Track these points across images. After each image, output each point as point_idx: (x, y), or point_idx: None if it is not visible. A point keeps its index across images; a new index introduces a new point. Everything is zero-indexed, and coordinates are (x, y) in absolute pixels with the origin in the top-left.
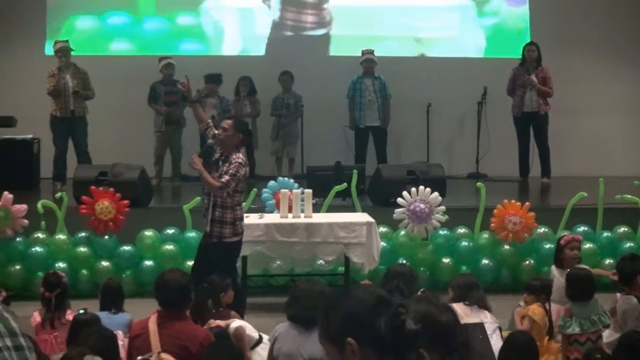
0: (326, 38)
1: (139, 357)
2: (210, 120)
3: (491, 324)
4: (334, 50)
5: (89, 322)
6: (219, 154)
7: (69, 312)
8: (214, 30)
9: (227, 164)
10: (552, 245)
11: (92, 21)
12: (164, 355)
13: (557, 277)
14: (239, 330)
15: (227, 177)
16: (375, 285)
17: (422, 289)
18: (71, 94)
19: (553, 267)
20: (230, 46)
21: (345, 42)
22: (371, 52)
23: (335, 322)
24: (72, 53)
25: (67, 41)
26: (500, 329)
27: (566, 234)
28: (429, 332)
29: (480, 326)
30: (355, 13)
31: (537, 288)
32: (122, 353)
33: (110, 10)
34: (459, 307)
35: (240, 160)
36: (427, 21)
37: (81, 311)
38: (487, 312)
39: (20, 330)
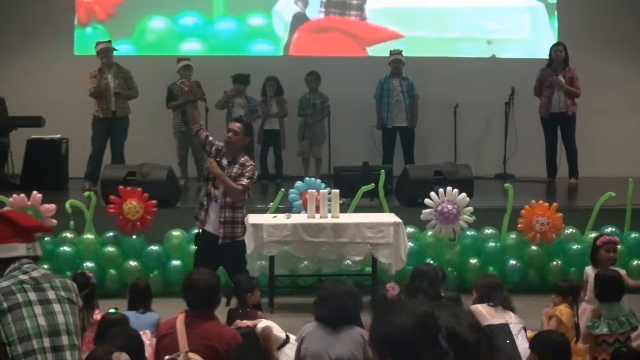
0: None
1: (167, 357)
2: (202, 122)
3: (516, 325)
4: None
5: (116, 322)
6: (215, 155)
7: (97, 311)
8: (284, 31)
9: (237, 166)
10: (579, 246)
11: (164, 21)
12: (191, 354)
13: (592, 277)
14: (266, 330)
15: (246, 180)
16: (422, 301)
17: (445, 290)
18: (112, 94)
19: (589, 267)
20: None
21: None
22: (399, 52)
23: (378, 338)
24: (115, 53)
25: (109, 42)
26: (525, 329)
27: (598, 234)
28: (455, 349)
29: (505, 327)
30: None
31: (564, 289)
32: (149, 352)
33: (182, 10)
34: (483, 308)
35: (253, 163)
36: (498, 23)
37: (112, 310)
38: (511, 313)
39: (70, 327)
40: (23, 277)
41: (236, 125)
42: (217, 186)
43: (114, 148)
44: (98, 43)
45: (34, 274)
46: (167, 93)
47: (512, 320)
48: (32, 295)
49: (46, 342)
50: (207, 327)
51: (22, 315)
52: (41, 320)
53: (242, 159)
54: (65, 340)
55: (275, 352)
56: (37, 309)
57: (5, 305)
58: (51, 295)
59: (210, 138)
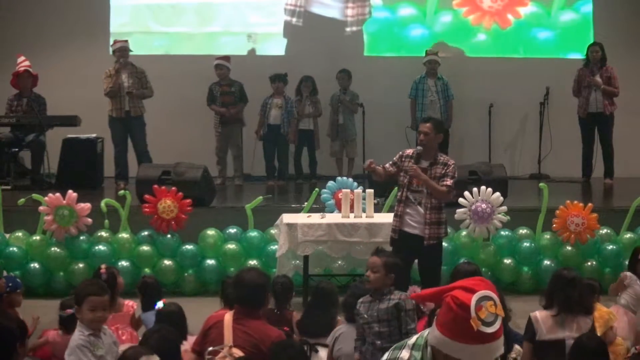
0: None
1: (210, 347)
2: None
3: None
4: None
5: (176, 313)
6: (407, 162)
7: (126, 302)
8: None
9: (440, 166)
10: (614, 247)
11: None
12: (234, 349)
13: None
14: None
15: (450, 180)
16: None
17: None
18: (125, 94)
19: (628, 273)
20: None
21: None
22: (435, 52)
23: None
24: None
25: (126, 41)
26: None
27: (634, 234)
28: None
29: None
30: None
31: None
32: None
33: None
34: None
35: (454, 162)
36: None
37: (160, 304)
38: None
39: None
40: None
41: (426, 126)
42: (416, 189)
43: (136, 148)
44: (115, 42)
45: None
46: (208, 93)
47: None
48: None
49: None
50: (253, 324)
51: None
52: None
53: (443, 158)
54: None
55: None
56: None
57: None
58: None
59: (387, 165)
